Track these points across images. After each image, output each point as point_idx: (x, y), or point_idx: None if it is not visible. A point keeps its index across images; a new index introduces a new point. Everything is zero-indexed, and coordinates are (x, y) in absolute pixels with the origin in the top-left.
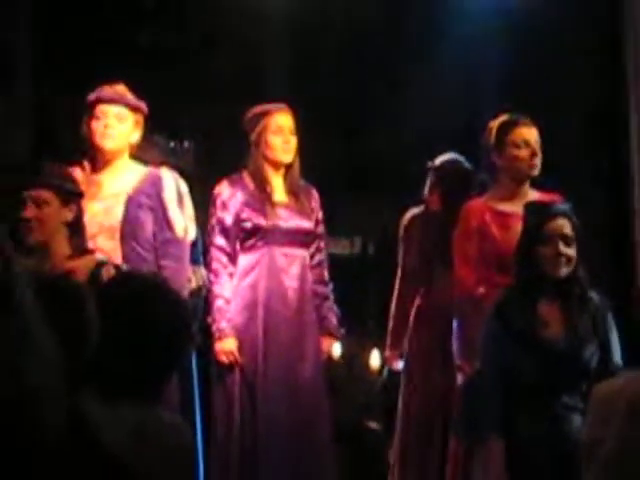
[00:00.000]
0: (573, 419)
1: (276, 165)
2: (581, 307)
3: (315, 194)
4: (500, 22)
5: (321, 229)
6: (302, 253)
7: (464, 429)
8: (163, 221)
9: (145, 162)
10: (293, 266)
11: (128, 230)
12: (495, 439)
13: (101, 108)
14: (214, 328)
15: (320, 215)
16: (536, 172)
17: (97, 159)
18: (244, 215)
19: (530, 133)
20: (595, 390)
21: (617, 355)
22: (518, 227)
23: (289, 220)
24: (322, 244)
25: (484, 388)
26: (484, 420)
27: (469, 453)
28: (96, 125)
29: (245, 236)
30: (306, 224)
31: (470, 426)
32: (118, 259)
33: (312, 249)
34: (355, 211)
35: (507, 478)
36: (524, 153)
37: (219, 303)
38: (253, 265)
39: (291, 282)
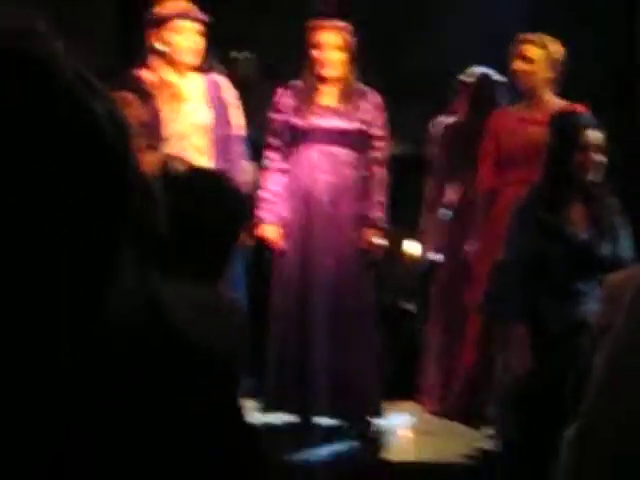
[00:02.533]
0: (588, 303)
1: (320, 77)
2: (603, 209)
3: (375, 99)
4: None
5: (380, 131)
6: (340, 151)
7: (491, 307)
8: (225, 120)
9: (201, 70)
10: (328, 162)
11: (214, 128)
12: (520, 319)
13: (183, 24)
14: (257, 216)
15: (379, 118)
16: (524, 84)
17: (173, 66)
18: (289, 117)
19: (530, 50)
20: (607, 279)
21: (628, 251)
22: (529, 130)
23: (328, 121)
24: (380, 144)
25: (511, 273)
26: (511, 302)
27: (491, 329)
28: (180, 40)
29: (291, 135)
30: (346, 125)
31: (497, 304)
32: (210, 155)
33: (368, 147)
34: (397, 117)
35: (529, 352)
36: (524, 67)
37: (265, 195)
38: (295, 161)
39: (325, 177)
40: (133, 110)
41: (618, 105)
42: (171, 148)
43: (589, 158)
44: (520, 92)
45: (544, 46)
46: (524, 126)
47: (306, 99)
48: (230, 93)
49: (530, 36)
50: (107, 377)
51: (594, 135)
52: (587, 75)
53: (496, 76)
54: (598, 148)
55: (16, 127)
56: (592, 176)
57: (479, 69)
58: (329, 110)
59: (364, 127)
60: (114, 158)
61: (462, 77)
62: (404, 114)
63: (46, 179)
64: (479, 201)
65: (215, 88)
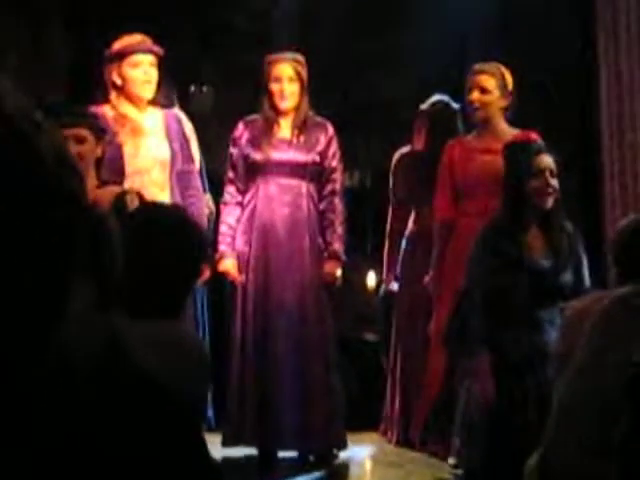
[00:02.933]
0: (549, 331)
1: (276, 109)
2: (560, 235)
3: (328, 130)
4: None
5: (334, 162)
6: (297, 183)
7: (453, 338)
8: (188, 155)
9: (159, 105)
10: (286, 195)
11: (172, 163)
12: (483, 350)
13: (138, 57)
14: (216, 250)
15: (332, 149)
16: (480, 114)
17: (130, 101)
18: (247, 151)
19: (480, 79)
20: (568, 307)
21: (587, 278)
22: (483, 159)
23: (285, 154)
24: (335, 175)
25: (473, 305)
26: (472, 333)
27: (454, 360)
28: (135, 73)
29: (248, 169)
30: (302, 157)
31: (458, 336)
32: (167, 191)
33: (323, 179)
34: (353, 148)
35: (492, 381)
36: (473, 96)
37: (222, 228)
38: (252, 195)
39: (282, 209)
40: (87, 146)
41: (574, 131)
42: (132, 183)
43: (543, 183)
44: (473, 121)
45: (499, 76)
46: (479, 156)
47: (263, 133)
48: (189, 127)
49: (486, 66)
50: (60, 416)
51: (547, 161)
52: (541, 101)
53: (454, 105)
54: (551, 173)
55: None
56: (548, 201)
57: (437, 97)
58: (285, 143)
59: (320, 159)
60: (59, 194)
61: (422, 106)
62: (365, 144)
63: None
64: (436, 231)
65: (176, 122)
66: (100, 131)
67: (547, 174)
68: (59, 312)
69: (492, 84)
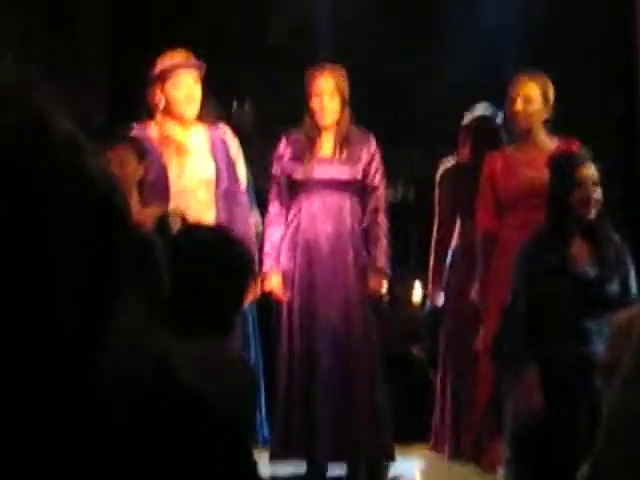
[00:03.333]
0: (596, 342)
1: (318, 125)
2: (606, 245)
3: (371, 144)
4: None
5: (377, 178)
6: (340, 200)
7: (500, 351)
8: (233, 174)
9: (203, 120)
10: (329, 212)
11: (218, 182)
12: (529, 362)
13: (180, 77)
14: (261, 269)
15: (375, 165)
16: (523, 125)
17: (174, 120)
18: (289, 169)
19: (528, 88)
20: (614, 317)
21: (634, 288)
22: (526, 172)
23: (327, 171)
24: (378, 192)
25: (519, 314)
26: (519, 346)
27: (502, 373)
28: (178, 93)
29: (291, 187)
30: (344, 175)
31: (506, 348)
32: (213, 210)
33: (367, 195)
34: (396, 162)
35: (540, 393)
36: (519, 107)
37: (266, 247)
38: (296, 212)
39: (325, 226)
40: (129, 167)
41: (617, 140)
42: (177, 204)
43: (586, 194)
44: (515, 132)
45: (544, 85)
46: (522, 169)
47: (305, 150)
48: (235, 145)
49: (531, 75)
50: (112, 439)
51: (589, 171)
52: (586, 110)
53: (496, 117)
54: (594, 184)
55: (7, 185)
56: (591, 212)
57: (480, 110)
58: (328, 160)
59: (362, 176)
60: (107, 213)
61: (465, 119)
62: (408, 158)
63: (36, 235)
64: (479, 244)
65: (221, 141)
66: (142, 152)
67: (590, 185)
68: (103, 331)
69: (536, 93)
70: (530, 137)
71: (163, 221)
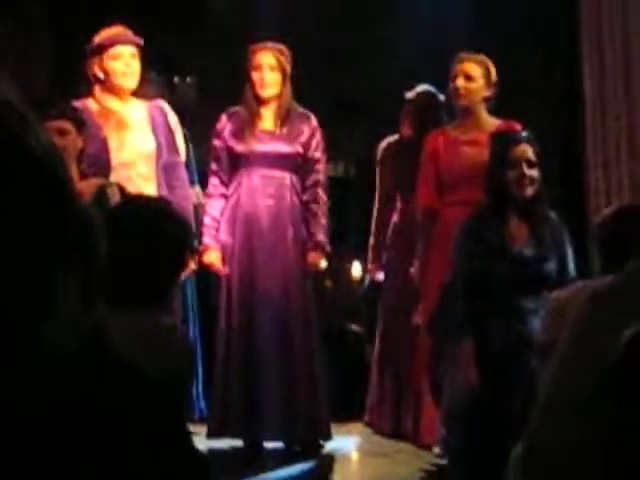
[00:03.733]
0: (534, 322)
1: (258, 99)
2: (544, 224)
3: (312, 121)
4: None
5: (317, 153)
6: (280, 174)
7: (439, 327)
8: (172, 147)
9: (144, 96)
10: (269, 186)
11: (158, 156)
12: (466, 335)
13: (117, 49)
14: (200, 242)
15: (316, 140)
16: (463, 101)
17: (113, 93)
18: (230, 143)
19: (468, 66)
20: (552, 296)
21: (572, 267)
22: (466, 151)
23: (267, 145)
24: (318, 166)
25: (457, 291)
26: (457, 319)
27: (440, 348)
28: (115, 65)
29: (232, 161)
30: (285, 148)
31: (444, 324)
32: (153, 183)
33: (307, 171)
34: (337, 138)
35: (475, 369)
36: (458, 83)
37: (206, 220)
38: (236, 186)
39: (266, 201)
40: (70, 138)
41: (558, 121)
42: (118, 176)
43: (519, 173)
44: (455, 110)
45: (485, 65)
46: (464, 148)
47: (246, 124)
48: (173, 119)
49: (471, 55)
50: (45, 406)
51: (524, 151)
52: (528, 91)
53: (439, 95)
54: (530, 164)
55: None
56: (526, 191)
57: (422, 87)
58: (269, 134)
59: (303, 150)
60: (49, 186)
61: (407, 95)
62: (350, 134)
63: None
64: (420, 221)
65: (160, 114)
66: (81, 124)
67: (524, 164)
68: (47, 307)
69: (477, 72)
70: (472, 116)
71: (102, 192)
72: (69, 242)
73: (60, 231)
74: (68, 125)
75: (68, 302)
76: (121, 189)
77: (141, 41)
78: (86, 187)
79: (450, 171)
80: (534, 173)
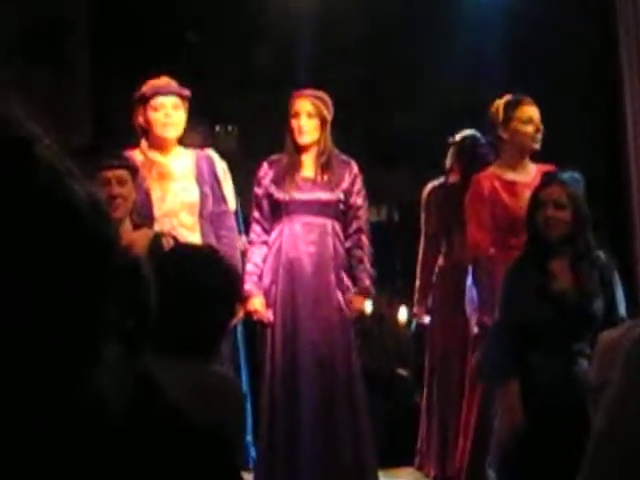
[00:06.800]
0: (581, 363)
1: (297, 146)
2: (589, 264)
3: (353, 168)
4: (504, 13)
5: (359, 200)
6: (322, 221)
7: (485, 372)
8: (219, 196)
9: (188, 145)
10: (311, 233)
11: (202, 206)
12: (513, 381)
13: (159, 100)
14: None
15: (357, 187)
16: (539, 145)
17: (155, 145)
18: (271, 190)
19: (533, 110)
20: (601, 337)
21: (622, 308)
22: (525, 194)
23: (308, 193)
24: (360, 213)
25: (503, 336)
26: (504, 364)
27: (488, 395)
28: (156, 116)
29: (273, 208)
30: (326, 196)
31: (491, 370)
32: (197, 232)
33: (349, 217)
34: (380, 182)
35: (522, 415)
36: (529, 128)
37: (248, 267)
38: (278, 234)
39: (308, 248)
40: (128, 188)
41: (602, 162)
42: (162, 226)
43: (544, 215)
44: (505, 154)
45: (537, 108)
46: (523, 190)
47: (287, 172)
48: (221, 168)
49: (528, 98)
50: (94, 459)
51: (551, 192)
52: (568, 133)
53: (482, 139)
54: (557, 205)
55: None
56: (552, 232)
57: (467, 131)
58: (309, 182)
59: (344, 197)
60: (94, 238)
61: (451, 139)
62: (392, 179)
63: (25, 261)
64: (482, 266)
65: (208, 164)
66: (136, 172)
67: (550, 205)
68: (93, 358)
69: (538, 117)
70: (523, 159)
71: (157, 242)
72: (114, 293)
73: (104, 282)
74: (126, 174)
75: (114, 353)
76: (175, 238)
77: (186, 91)
78: (140, 237)
79: (515, 215)
80: (562, 214)
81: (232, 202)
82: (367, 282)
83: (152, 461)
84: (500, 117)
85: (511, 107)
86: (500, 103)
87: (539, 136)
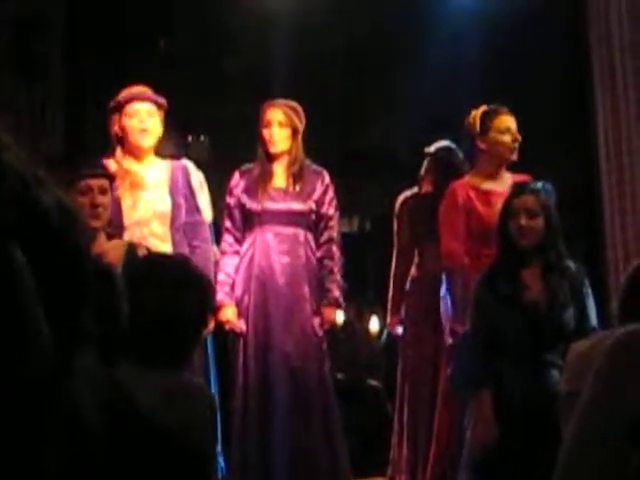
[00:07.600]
0: (552, 374)
1: (269, 156)
2: (560, 274)
3: (324, 178)
4: (479, 23)
5: (330, 210)
6: (294, 231)
7: (458, 383)
8: (193, 206)
9: (163, 155)
10: (283, 244)
11: (174, 216)
12: (485, 391)
13: (134, 106)
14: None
15: (329, 197)
16: (516, 156)
17: (130, 153)
18: (243, 200)
19: (511, 120)
20: (572, 348)
21: (593, 318)
22: (499, 204)
23: (281, 203)
24: (331, 223)
25: (475, 347)
26: (475, 374)
27: (460, 405)
28: (131, 122)
29: (245, 218)
30: (297, 206)
31: (463, 380)
32: (168, 242)
33: (320, 227)
34: (352, 193)
35: (494, 425)
36: (506, 138)
37: (220, 277)
38: (250, 244)
39: (280, 258)
40: (108, 197)
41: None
42: (132, 235)
43: (516, 224)
44: (481, 166)
45: (514, 119)
46: (495, 200)
47: (259, 181)
48: (197, 178)
49: (505, 108)
50: (71, 463)
51: (524, 201)
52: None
53: (458, 150)
54: (530, 213)
55: None
56: (525, 241)
57: (442, 143)
58: (281, 192)
59: (316, 207)
60: (63, 245)
61: (426, 150)
62: (365, 189)
63: None
64: (456, 276)
65: (183, 174)
66: (113, 182)
67: (523, 214)
68: (68, 366)
69: (513, 125)
70: (500, 169)
71: (132, 253)
72: (87, 300)
73: (74, 289)
74: (106, 184)
75: (89, 359)
76: (148, 249)
77: (161, 100)
78: (114, 247)
79: (489, 225)
80: (535, 223)
81: (208, 213)
82: (336, 293)
83: (126, 465)
84: (477, 127)
85: (488, 117)
86: (477, 113)
87: (516, 146)
